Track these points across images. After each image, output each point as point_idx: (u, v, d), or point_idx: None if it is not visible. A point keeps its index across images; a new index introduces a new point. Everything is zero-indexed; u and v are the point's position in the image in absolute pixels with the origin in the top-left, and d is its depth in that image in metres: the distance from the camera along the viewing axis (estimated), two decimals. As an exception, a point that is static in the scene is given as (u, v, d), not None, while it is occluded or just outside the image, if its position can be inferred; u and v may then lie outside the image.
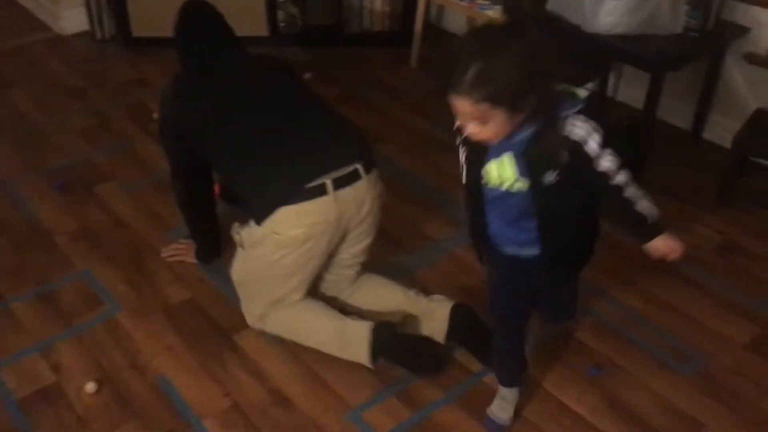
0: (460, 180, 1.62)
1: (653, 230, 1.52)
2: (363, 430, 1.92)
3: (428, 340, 2.11)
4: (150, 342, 2.17)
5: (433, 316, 2.10)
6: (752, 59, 2.87)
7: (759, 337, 2.21)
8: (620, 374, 2.09)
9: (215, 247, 2.44)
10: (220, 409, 1.98)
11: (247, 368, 2.09)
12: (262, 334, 2.17)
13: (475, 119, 1.38)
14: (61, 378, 2.06)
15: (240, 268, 2.14)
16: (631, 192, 1.47)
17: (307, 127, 2.08)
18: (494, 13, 3.26)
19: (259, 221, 1.99)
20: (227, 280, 2.37)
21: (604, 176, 1.45)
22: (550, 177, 1.45)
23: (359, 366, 2.07)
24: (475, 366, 2.09)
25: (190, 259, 2.44)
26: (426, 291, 2.23)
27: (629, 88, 3.34)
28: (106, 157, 3.02)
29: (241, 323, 2.22)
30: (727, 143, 2.82)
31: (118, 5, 3.74)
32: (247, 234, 2.05)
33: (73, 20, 4.01)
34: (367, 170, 2.02)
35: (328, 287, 2.21)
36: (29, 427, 1.92)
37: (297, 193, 1.93)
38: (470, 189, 1.59)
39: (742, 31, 2.86)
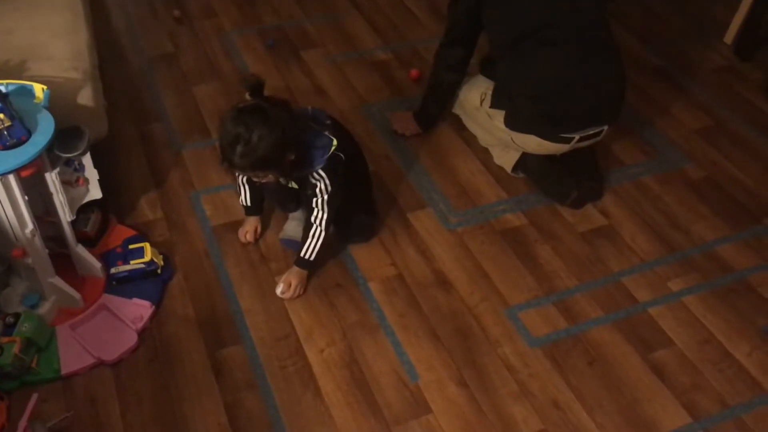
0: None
1: (300, 262, 2.01)
2: (518, 329, 1.96)
3: (570, 175, 2.32)
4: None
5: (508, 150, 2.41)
6: None
7: None
8: (799, 340, 1.96)
9: (436, 117, 2.58)
10: (385, 276, 2.09)
11: (416, 246, 2.18)
12: (432, 215, 2.26)
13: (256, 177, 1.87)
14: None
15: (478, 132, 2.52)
16: (310, 231, 1.98)
17: (593, 60, 2.15)
18: None
19: (506, 125, 2.25)
20: (409, 161, 2.43)
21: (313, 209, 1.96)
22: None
23: (523, 268, 2.12)
24: (641, 294, 2.05)
25: (414, 127, 2.55)
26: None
27: None
28: (315, 25, 3.14)
29: (417, 204, 2.30)
30: None
31: None
32: (490, 110, 2.29)
33: None
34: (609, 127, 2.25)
35: None
36: (219, 251, 2.14)
37: (550, 134, 2.20)
38: None
39: None
